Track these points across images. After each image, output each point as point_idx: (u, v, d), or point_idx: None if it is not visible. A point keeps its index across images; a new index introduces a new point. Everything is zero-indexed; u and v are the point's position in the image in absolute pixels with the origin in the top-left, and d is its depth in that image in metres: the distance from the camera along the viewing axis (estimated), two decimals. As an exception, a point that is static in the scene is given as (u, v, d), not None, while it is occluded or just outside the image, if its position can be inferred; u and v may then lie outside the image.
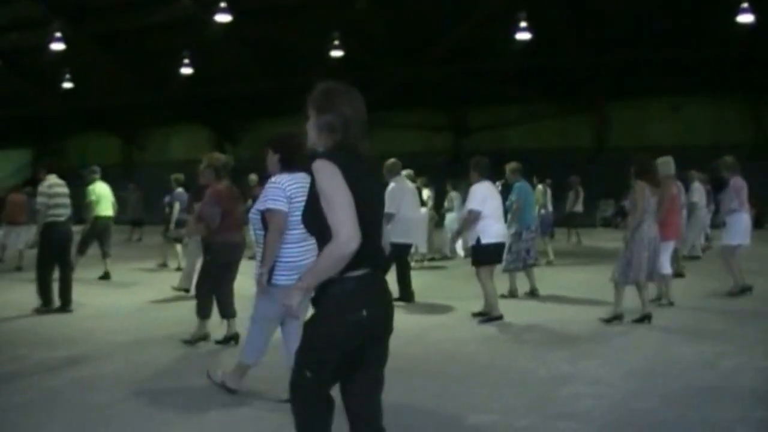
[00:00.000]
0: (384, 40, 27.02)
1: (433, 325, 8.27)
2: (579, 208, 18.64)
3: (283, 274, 4.89)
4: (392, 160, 10.20)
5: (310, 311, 3.13)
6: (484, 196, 8.34)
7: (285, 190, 4.94)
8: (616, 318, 7.96)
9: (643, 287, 7.99)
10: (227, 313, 7.06)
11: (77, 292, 9.60)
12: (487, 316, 8.28)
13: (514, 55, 25.09)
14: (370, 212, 2.96)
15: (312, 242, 3.74)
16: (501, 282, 9.55)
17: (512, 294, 9.89)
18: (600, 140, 29.33)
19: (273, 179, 5.04)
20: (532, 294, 9.98)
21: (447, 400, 5.25)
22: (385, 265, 3.15)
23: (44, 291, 9.23)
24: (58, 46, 27.04)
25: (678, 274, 11.51)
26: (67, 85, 32.30)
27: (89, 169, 12.65)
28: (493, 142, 30.51)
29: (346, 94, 3.15)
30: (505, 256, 9.48)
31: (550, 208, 15.96)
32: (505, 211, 9.38)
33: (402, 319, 8.39)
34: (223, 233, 6.82)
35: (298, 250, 4.93)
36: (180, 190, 13.13)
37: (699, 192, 13.66)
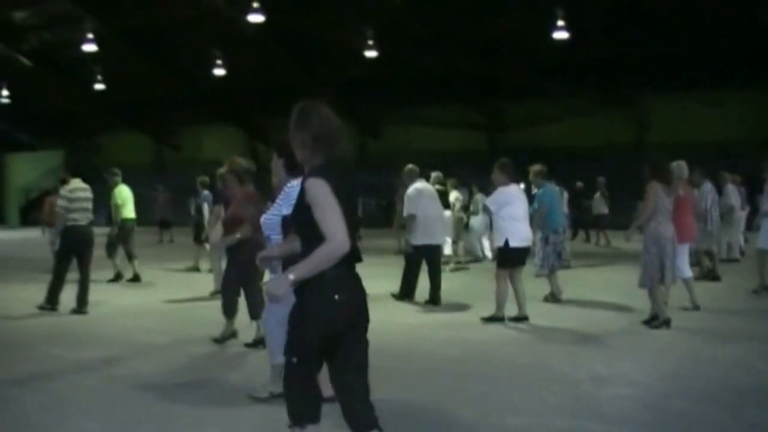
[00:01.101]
0: (419, 35, 26.95)
1: (467, 326, 8.34)
2: (604, 209, 18.47)
3: None
4: (409, 166, 10.44)
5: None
6: (508, 199, 8.32)
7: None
8: (665, 323, 7.87)
9: (658, 290, 7.95)
10: (256, 314, 7.00)
11: (111, 294, 9.95)
12: (491, 316, 8.36)
13: (552, 49, 24.93)
14: (349, 216, 3.37)
15: None
16: (535, 286, 9.73)
17: (555, 297, 9.83)
18: (640, 137, 28.95)
19: (291, 184, 5.05)
20: (553, 297, 9.90)
21: (482, 401, 5.34)
22: (358, 259, 3.53)
23: (52, 291, 9.44)
24: (90, 45, 27.42)
25: (714, 276, 11.60)
26: (100, 84, 32.74)
27: (110, 171, 12.62)
28: (529, 139, 30.31)
29: (319, 109, 3.53)
30: (535, 261, 9.64)
31: (565, 209, 15.97)
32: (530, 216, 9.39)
33: (435, 319, 8.62)
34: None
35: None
36: (206, 192, 13.18)
37: (734, 194, 13.59)
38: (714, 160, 20.08)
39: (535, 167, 10.18)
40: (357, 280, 3.51)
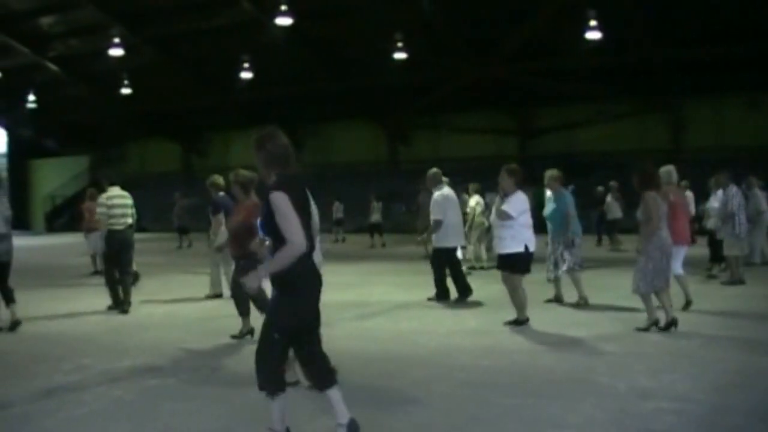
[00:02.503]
0: (449, 40, 26.78)
1: (500, 335, 8.17)
2: (619, 214, 18.36)
3: None
4: (433, 170, 10.89)
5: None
6: (525, 206, 8.44)
7: None
8: (653, 325, 8.01)
9: (664, 293, 8.03)
10: (262, 307, 7.24)
11: (136, 303, 10.31)
12: (515, 320, 8.49)
13: (585, 53, 24.65)
14: (305, 219, 4.22)
15: None
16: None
17: (584, 301, 9.84)
18: (677, 141, 28.46)
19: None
20: (557, 300, 10.01)
21: (523, 414, 5.15)
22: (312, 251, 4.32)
23: (111, 291, 10.23)
24: (117, 51, 27.65)
25: (739, 280, 11.63)
26: (126, 90, 32.96)
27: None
28: (562, 145, 29.99)
29: (275, 134, 4.42)
30: (558, 264, 9.81)
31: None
32: (541, 220, 9.69)
33: (467, 328, 8.46)
34: None
35: None
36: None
37: (762, 198, 13.56)
38: (751, 163, 19.70)
39: (552, 172, 10.16)
40: (315, 268, 4.40)
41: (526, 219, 8.43)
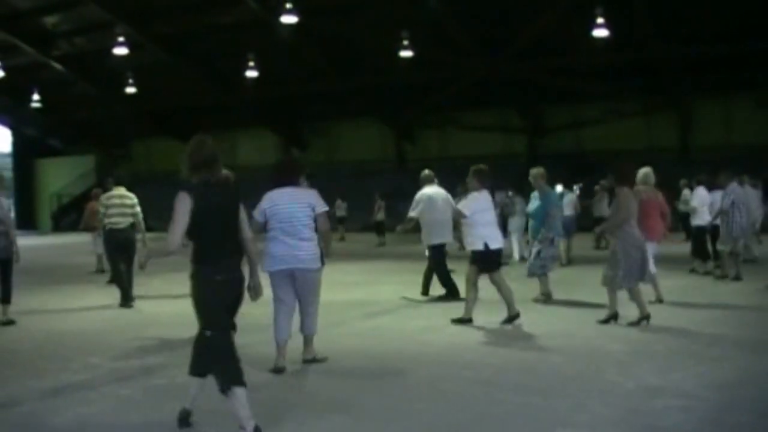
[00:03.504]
0: (457, 38, 26.69)
1: (508, 333, 8.17)
2: (605, 211, 18.41)
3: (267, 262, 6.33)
4: (426, 172, 11.25)
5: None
6: (483, 206, 8.59)
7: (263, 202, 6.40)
8: (612, 318, 8.24)
9: (636, 289, 8.21)
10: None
11: (142, 302, 10.44)
12: (459, 318, 8.66)
13: (594, 51, 24.55)
14: (214, 222, 4.55)
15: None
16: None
17: (547, 296, 10.06)
18: (685, 139, 28.34)
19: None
20: (546, 298, 10.10)
21: (531, 413, 5.14)
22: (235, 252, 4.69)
23: (119, 287, 10.50)
24: (122, 50, 27.61)
25: (735, 276, 11.88)
26: (132, 89, 32.92)
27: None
28: (571, 143, 29.90)
29: (200, 141, 4.69)
30: (533, 261, 9.98)
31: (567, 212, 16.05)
32: (525, 217, 9.57)
33: (478, 327, 8.42)
34: None
35: (278, 246, 6.34)
36: None
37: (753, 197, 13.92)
38: (759, 162, 19.63)
39: (537, 170, 10.29)
40: (227, 265, 4.58)
41: (485, 217, 8.55)
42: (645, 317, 8.16)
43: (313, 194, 6.52)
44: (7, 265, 8.91)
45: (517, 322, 8.52)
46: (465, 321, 8.56)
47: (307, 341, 6.69)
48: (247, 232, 4.85)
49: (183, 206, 4.47)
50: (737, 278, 11.81)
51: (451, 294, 10.53)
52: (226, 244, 4.60)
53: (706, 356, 6.78)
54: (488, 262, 8.49)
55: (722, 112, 27.54)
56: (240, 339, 5.04)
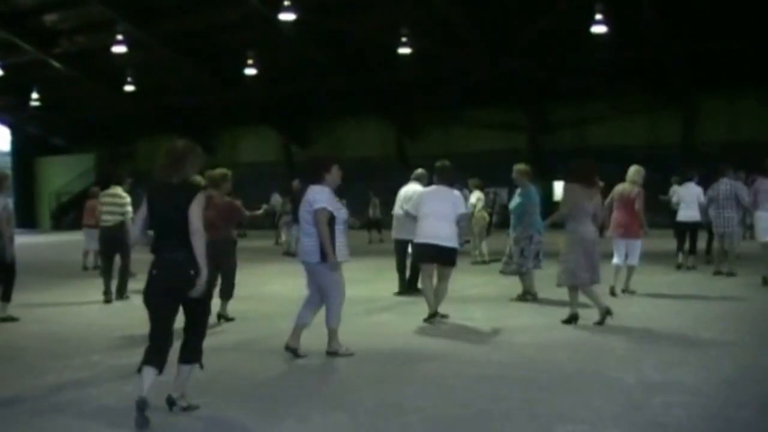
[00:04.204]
0: (459, 34, 26.62)
1: (508, 329, 8.14)
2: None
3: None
4: (419, 170, 11.27)
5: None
6: (426, 201, 8.69)
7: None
8: (574, 320, 8.15)
9: (588, 288, 8.13)
10: (225, 295, 8.71)
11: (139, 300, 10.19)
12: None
13: (597, 48, 24.45)
14: (159, 218, 5.06)
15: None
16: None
17: (529, 293, 10.03)
18: (689, 135, 28.24)
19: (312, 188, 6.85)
20: (526, 296, 10.04)
21: (534, 409, 5.13)
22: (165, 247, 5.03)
23: (104, 283, 10.84)
24: (123, 48, 27.55)
25: (728, 272, 12.08)
26: (133, 87, 32.82)
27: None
28: (574, 140, 29.80)
29: (165, 151, 5.18)
30: (516, 259, 9.89)
31: None
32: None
33: (474, 322, 8.41)
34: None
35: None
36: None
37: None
38: (763, 157, 19.57)
39: (519, 166, 10.25)
40: (168, 259, 4.98)
41: (423, 210, 8.61)
42: (605, 313, 8.01)
43: (315, 191, 6.70)
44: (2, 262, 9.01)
45: (517, 318, 8.54)
46: (432, 317, 8.45)
47: (328, 334, 6.84)
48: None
49: (143, 201, 5.16)
50: (730, 273, 11.98)
51: (410, 287, 10.83)
52: (163, 238, 5.06)
53: (707, 352, 6.77)
54: (416, 254, 8.86)
55: (726, 108, 27.43)
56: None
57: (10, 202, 9.52)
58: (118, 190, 11.03)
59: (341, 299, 6.80)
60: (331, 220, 6.62)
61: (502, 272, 10.37)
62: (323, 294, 6.79)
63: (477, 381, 5.90)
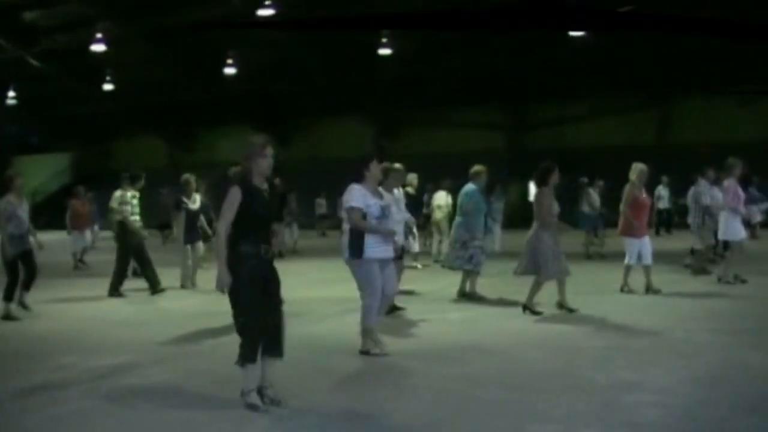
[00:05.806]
0: (439, 34, 26.69)
1: (487, 330, 8.18)
2: (586, 208, 18.62)
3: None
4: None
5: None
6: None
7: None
8: (535, 311, 8.74)
9: (541, 284, 8.76)
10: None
11: (120, 301, 10.84)
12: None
13: (575, 49, 24.62)
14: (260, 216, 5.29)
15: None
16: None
17: (463, 293, 10.22)
18: (664, 136, 28.51)
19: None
20: (462, 296, 10.25)
21: (506, 409, 5.15)
22: None
23: (151, 276, 11.45)
24: (103, 46, 27.37)
25: (702, 270, 12.37)
26: (112, 85, 32.61)
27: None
28: (553, 140, 29.98)
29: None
30: (458, 253, 10.16)
31: (585, 209, 16.47)
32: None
33: (454, 323, 8.44)
34: None
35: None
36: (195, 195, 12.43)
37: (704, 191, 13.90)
38: (742, 160, 19.70)
39: (476, 167, 10.54)
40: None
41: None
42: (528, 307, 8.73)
43: (347, 191, 6.95)
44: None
45: (494, 318, 8.59)
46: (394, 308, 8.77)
47: (361, 332, 6.92)
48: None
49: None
50: (703, 271, 12.32)
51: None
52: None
53: (681, 351, 6.82)
54: None
55: (704, 110, 27.71)
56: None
57: (25, 205, 10.29)
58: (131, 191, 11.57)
59: (373, 298, 6.81)
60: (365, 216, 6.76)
61: (442, 265, 10.82)
62: (359, 290, 6.89)
63: (451, 381, 5.92)
